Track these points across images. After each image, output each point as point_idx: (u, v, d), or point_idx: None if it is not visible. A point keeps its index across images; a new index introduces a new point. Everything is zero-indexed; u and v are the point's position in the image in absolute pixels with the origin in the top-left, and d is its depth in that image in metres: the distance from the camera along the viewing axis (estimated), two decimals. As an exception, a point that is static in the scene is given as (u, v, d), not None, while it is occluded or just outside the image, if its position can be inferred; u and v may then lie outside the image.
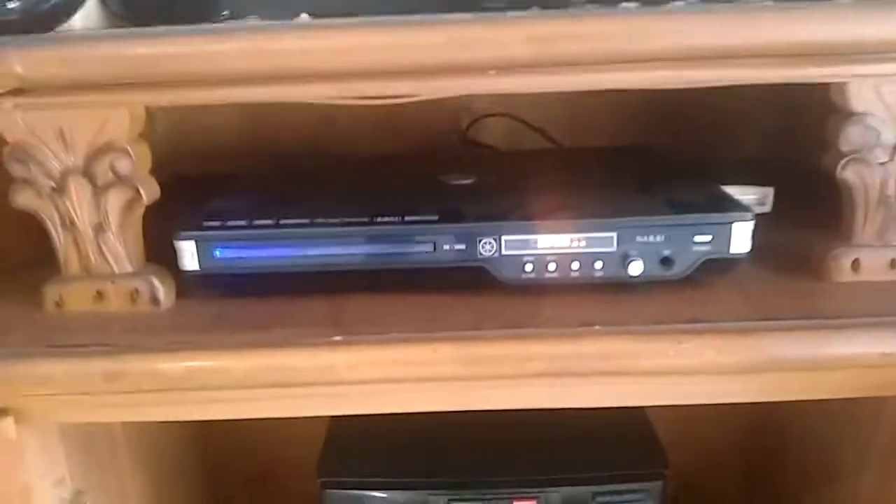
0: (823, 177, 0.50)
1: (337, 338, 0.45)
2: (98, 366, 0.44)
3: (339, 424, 0.68)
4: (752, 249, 0.49)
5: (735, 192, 0.53)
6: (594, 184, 0.58)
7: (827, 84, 0.47)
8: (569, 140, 0.79)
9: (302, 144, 0.82)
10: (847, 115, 0.47)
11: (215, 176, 0.62)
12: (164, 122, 0.82)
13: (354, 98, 0.44)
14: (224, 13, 0.58)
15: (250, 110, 0.82)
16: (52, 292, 0.50)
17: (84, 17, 0.64)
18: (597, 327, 0.45)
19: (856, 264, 0.50)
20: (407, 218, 0.49)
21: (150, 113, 0.79)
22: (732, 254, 0.48)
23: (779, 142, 0.80)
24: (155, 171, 0.50)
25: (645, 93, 0.78)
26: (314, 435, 0.69)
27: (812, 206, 0.55)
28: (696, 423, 0.86)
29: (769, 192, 0.59)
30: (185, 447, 0.83)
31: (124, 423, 0.66)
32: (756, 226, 0.49)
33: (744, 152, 0.80)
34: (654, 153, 0.69)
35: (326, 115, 0.82)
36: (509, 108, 0.80)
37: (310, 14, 0.49)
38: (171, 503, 0.78)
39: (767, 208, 0.60)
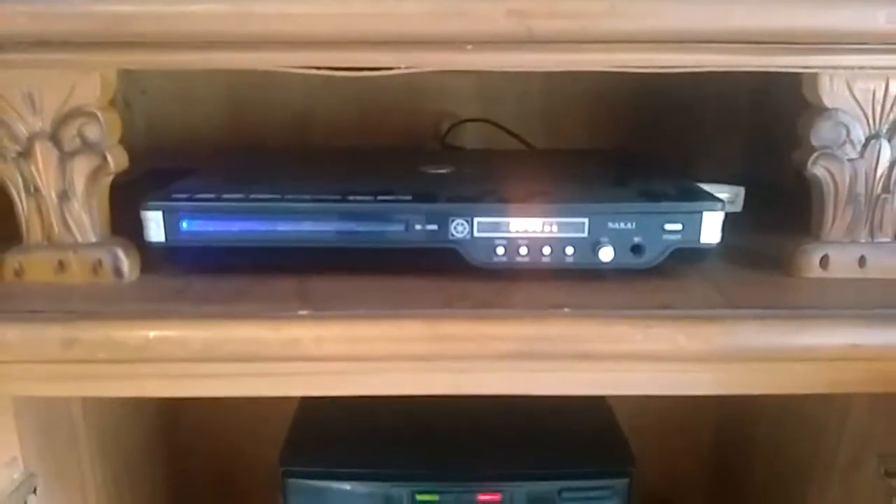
0: (796, 179, 0.51)
1: (303, 312, 0.44)
2: (55, 332, 0.43)
3: (304, 415, 0.67)
4: (722, 246, 0.49)
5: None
6: (570, 176, 0.58)
7: (801, 82, 0.48)
8: (548, 146, 0.80)
9: (283, 142, 0.82)
10: (818, 110, 0.48)
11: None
12: (144, 118, 0.82)
13: (331, 68, 0.44)
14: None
15: (232, 105, 0.82)
16: (11, 261, 0.49)
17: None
18: (566, 310, 0.45)
19: (824, 261, 0.50)
20: (380, 197, 0.48)
21: (129, 101, 0.80)
22: (703, 244, 0.48)
23: (756, 147, 0.81)
24: (134, 166, 0.49)
25: (623, 99, 0.81)
26: (281, 430, 0.68)
27: (785, 207, 0.56)
28: (664, 429, 0.86)
29: (740, 192, 0.60)
30: (149, 440, 0.81)
31: (84, 409, 0.64)
32: (727, 224, 0.49)
33: (720, 157, 0.81)
34: (630, 154, 0.69)
35: (308, 113, 0.82)
36: (489, 112, 0.81)
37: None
38: (132, 496, 0.75)
39: (738, 207, 0.60)
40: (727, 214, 0.49)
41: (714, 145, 0.82)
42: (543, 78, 0.82)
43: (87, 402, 0.64)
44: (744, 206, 0.64)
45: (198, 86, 0.82)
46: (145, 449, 0.81)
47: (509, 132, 0.80)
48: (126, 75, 0.47)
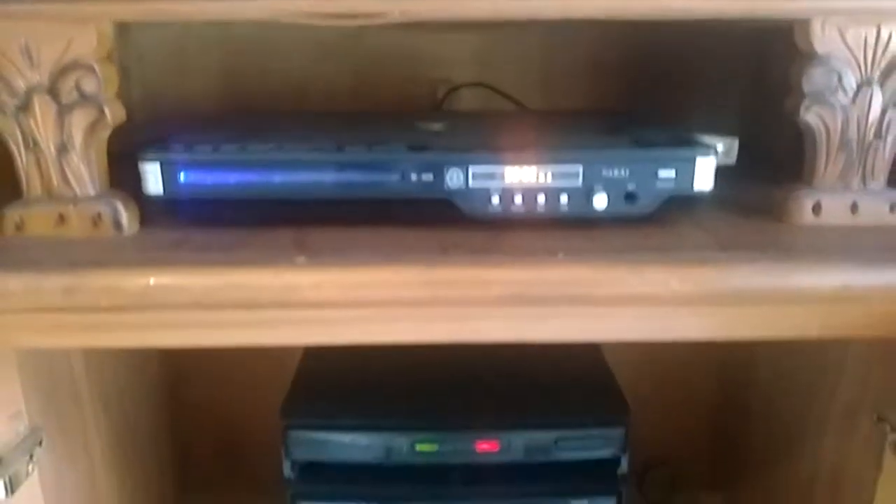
0: (791, 137, 0.51)
1: (301, 258, 0.45)
2: (56, 280, 0.44)
3: (306, 369, 0.68)
4: (716, 196, 0.50)
5: (701, 140, 0.54)
6: (565, 128, 0.58)
7: (792, 30, 0.48)
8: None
9: (280, 109, 0.82)
10: (810, 57, 0.48)
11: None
12: (140, 89, 0.82)
13: (324, 15, 0.44)
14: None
15: (227, 74, 0.82)
16: (12, 215, 0.49)
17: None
18: (560, 255, 0.45)
19: (817, 207, 0.51)
20: (376, 147, 0.49)
21: (126, 68, 0.80)
22: (696, 191, 0.49)
23: (754, 107, 0.81)
24: (130, 134, 0.50)
25: (620, 62, 0.81)
26: (283, 387, 0.68)
27: (781, 163, 0.56)
28: (663, 385, 0.87)
29: (734, 143, 0.60)
30: (151, 399, 0.83)
31: (87, 366, 0.65)
32: (722, 176, 0.49)
33: (718, 119, 0.80)
34: (626, 113, 0.69)
35: (304, 81, 0.82)
36: (486, 79, 0.81)
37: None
38: (135, 453, 0.77)
39: (732, 160, 0.61)
40: (721, 167, 0.50)
41: (711, 107, 0.82)
42: (540, 41, 0.82)
43: (89, 359, 0.65)
44: (740, 162, 0.64)
45: (193, 54, 0.82)
46: (148, 408, 0.82)
47: (506, 96, 0.80)
48: (122, 36, 0.47)
